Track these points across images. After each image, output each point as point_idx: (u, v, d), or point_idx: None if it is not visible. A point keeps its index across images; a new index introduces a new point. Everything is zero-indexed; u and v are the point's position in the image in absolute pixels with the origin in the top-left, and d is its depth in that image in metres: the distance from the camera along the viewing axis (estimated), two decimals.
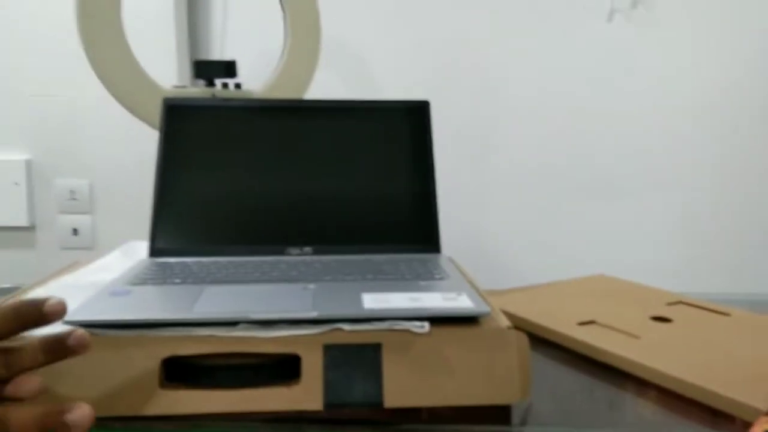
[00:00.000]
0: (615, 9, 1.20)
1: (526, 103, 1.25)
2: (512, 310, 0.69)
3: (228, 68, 1.02)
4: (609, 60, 1.22)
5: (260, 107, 0.72)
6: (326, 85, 1.13)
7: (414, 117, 0.73)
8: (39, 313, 0.37)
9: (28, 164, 1.28)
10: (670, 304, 0.73)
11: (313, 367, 0.46)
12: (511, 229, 1.27)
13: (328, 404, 0.46)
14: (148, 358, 0.45)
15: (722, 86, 1.22)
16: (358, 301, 0.50)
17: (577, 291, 0.78)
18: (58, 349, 0.37)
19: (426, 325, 0.48)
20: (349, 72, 1.27)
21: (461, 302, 0.50)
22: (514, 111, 1.25)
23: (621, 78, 1.23)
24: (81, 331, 0.38)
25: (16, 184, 1.28)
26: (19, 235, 1.30)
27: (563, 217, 1.26)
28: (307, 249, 0.67)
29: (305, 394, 0.46)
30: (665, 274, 1.22)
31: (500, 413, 0.49)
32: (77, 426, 0.34)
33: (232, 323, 0.47)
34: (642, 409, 0.51)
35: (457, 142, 1.25)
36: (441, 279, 0.57)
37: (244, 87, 1.02)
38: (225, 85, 1.03)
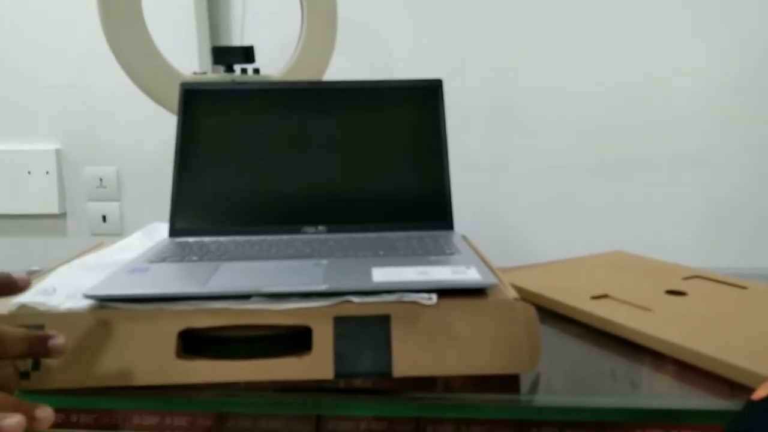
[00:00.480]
0: None
1: (543, 83, 1.23)
2: (524, 284, 0.70)
3: (246, 54, 1.03)
4: (630, 38, 1.20)
5: (276, 90, 0.74)
6: (343, 69, 1.14)
7: (427, 96, 0.74)
8: (9, 281, 0.42)
9: (58, 153, 1.32)
10: (686, 278, 0.72)
11: (323, 338, 0.48)
12: (528, 208, 1.27)
13: (339, 374, 0.47)
14: (165, 330, 0.47)
15: (745, 64, 1.19)
16: (368, 275, 0.51)
17: (591, 266, 0.78)
18: (39, 346, 0.41)
19: (434, 296, 0.48)
20: (365, 55, 1.27)
21: (469, 275, 0.51)
22: (532, 90, 1.24)
23: (642, 55, 1.21)
24: (61, 339, 0.41)
25: (47, 173, 1.32)
26: (51, 222, 1.34)
27: (581, 197, 1.25)
28: (322, 228, 0.68)
29: (316, 365, 0.47)
30: (684, 252, 1.21)
31: (509, 382, 0.50)
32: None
33: (245, 297, 0.49)
34: (655, 381, 0.51)
35: (475, 121, 1.25)
36: (451, 254, 0.58)
37: (263, 72, 1.03)
38: (244, 71, 1.04)
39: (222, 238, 0.66)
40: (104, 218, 1.34)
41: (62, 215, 1.35)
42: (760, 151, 1.20)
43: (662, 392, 0.49)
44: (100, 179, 1.33)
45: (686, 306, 0.62)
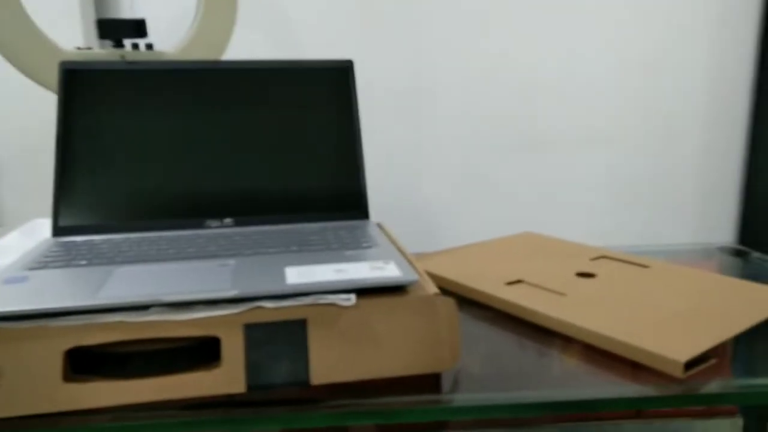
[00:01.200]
0: None
1: (454, 64, 1.23)
2: (441, 272, 0.69)
3: (137, 27, 0.94)
4: (540, 20, 1.22)
5: (171, 70, 0.67)
6: (248, 43, 1.07)
7: (337, 78, 0.70)
8: None
9: None
10: (593, 259, 0.74)
11: (233, 348, 0.44)
12: (442, 189, 1.27)
13: (252, 386, 0.44)
14: (48, 350, 0.42)
15: (652, 48, 1.24)
16: (281, 276, 0.48)
17: (504, 250, 0.79)
18: None
19: (352, 297, 0.46)
20: (272, 29, 1.21)
21: (388, 271, 0.49)
22: (444, 72, 1.23)
23: (552, 38, 1.22)
24: None
25: None
26: None
27: (495, 177, 1.27)
28: (228, 221, 0.64)
29: (227, 378, 0.44)
30: (592, 229, 1.26)
31: (430, 382, 0.48)
32: None
33: (143, 307, 0.44)
34: (569, 366, 0.51)
35: (388, 103, 1.23)
36: (368, 247, 0.55)
37: (157, 48, 0.95)
38: (135, 46, 0.95)
39: (114, 236, 0.60)
40: None
41: None
42: (663, 130, 1.26)
43: (577, 379, 0.49)
44: None
45: (596, 288, 0.64)
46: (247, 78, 0.68)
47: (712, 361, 0.50)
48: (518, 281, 0.66)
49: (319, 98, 0.69)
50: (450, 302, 0.48)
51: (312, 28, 1.18)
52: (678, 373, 0.47)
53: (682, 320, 0.55)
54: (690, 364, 0.48)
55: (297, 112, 0.68)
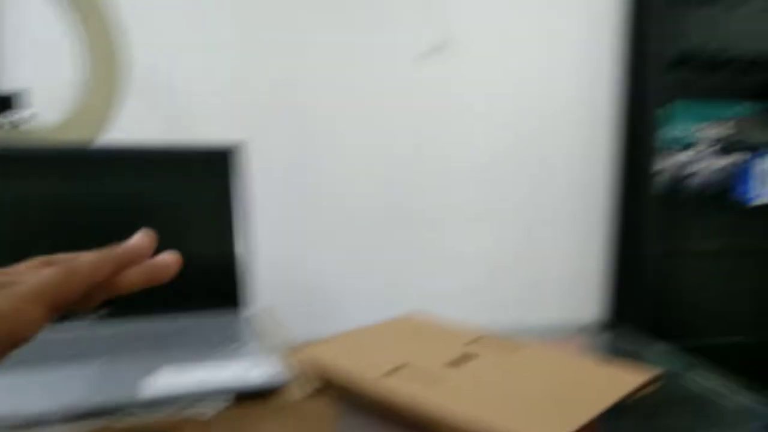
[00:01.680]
0: (428, 49, 1.26)
1: (343, 140, 1.26)
2: (323, 364, 0.69)
3: (5, 103, 0.91)
4: (422, 96, 1.28)
5: (42, 153, 0.65)
6: (135, 118, 1.05)
7: (220, 163, 0.70)
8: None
9: None
10: (469, 342, 0.77)
11: None
12: (332, 266, 1.28)
13: None
14: None
15: (530, 124, 1.33)
16: (146, 382, 0.46)
17: (386, 336, 0.80)
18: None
19: (215, 406, 0.45)
20: (162, 105, 1.19)
21: (256, 375, 0.49)
22: (333, 149, 1.26)
23: (433, 113, 1.29)
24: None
25: None
26: None
27: (380, 253, 1.30)
28: (93, 316, 0.61)
29: None
30: (472, 305, 1.31)
31: None
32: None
33: None
34: None
35: (278, 180, 1.23)
36: (241, 345, 0.55)
37: (34, 122, 0.91)
38: (10, 122, 0.91)
39: None
40: None
41: None
42: (533, 208, 1.35)
43: None
44: None
45: (471, 375, 0.66)
46: (121, 161, 0.67)
47: None
48: (396, 369, 0.67)
49: (198, 184, 0.69)
50: (324, 404, 0.48)
51: (203, 107, 1.18)
52: None
53: (551, 402, 0.58)
54: None
55: (175, 197, 0.67)
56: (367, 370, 0.67)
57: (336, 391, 0.49)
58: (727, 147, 1.42)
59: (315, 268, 1.27)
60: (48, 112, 0.94)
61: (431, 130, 1.29)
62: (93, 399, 0.43)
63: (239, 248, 0.67)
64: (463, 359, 0.71)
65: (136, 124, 0.99)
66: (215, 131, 1.17)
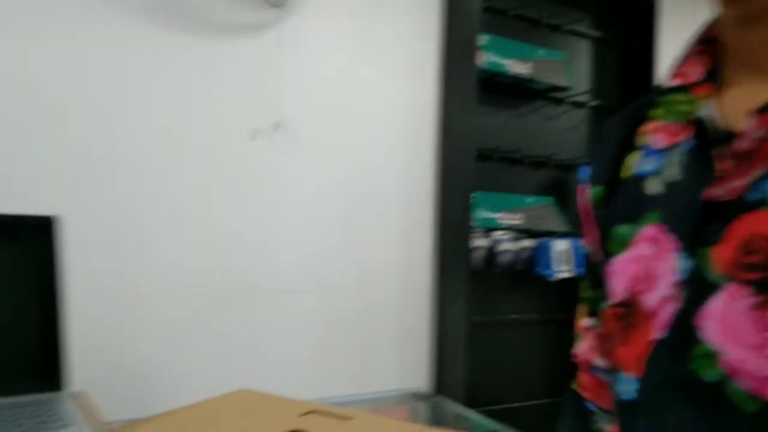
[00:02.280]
0: (258, 129, 1.30)
1: (164, 216, 1.23)
2: None
3: None
4: (250, 176, 1.31)
5: None
6: None
7: (37, 234, 0.65)
8: None
9: None
10: (302, 414, 0.78)
11: None
12: (156, 344, 1.21)
13: None
14: None
15: (356, 201, 1.41)
16: None
17: (217, 412, 0.78)
18: None
19: None
20: None
21: None
22: (154, 224, 1.22)
23: (262, 188, 1.32)
24: None
25: None
26: None
27: (207, 329, 1.26)
28: None
29: None
30: (303, 376, 1.32)
31: None
32: None
33: None
34: None
35: (98, 255, 1.16)
36: (62, 427, 0.50)
37: None
38: None
39: None
40: None
41: None
42: (361, 279, 1.42)
43: None
44: None
45: None
46: None
47: None
48: None
49: (15, 256, 0.63)
50: None
51: (13, 180, 1.09)
52: None
53: None
54: None
55: None
56: None
57: None
58: (522, 232, 1.64)
59: (134, 346, 1.18)
60: None
61: (259, 205, 1.32)
62: None
63: (60, 325, 0.63)
64: (299, 431, 0.71)
65: None
66: (30, 201, 1.07)
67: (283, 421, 0.75)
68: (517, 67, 1.59)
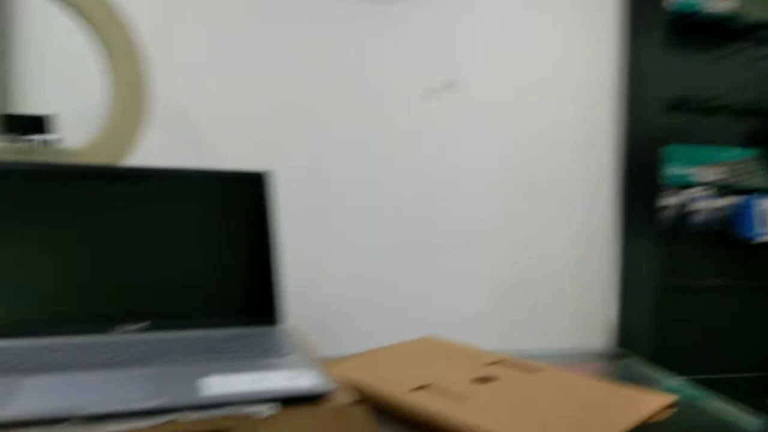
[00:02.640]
0: (434, 87, 1.32)
1: (355, 171, 1.30)
2: (350, 379, 0.71)
3: (39, 124, 0.94)
4: (431, 130, 1.34)
5: (75, 172, 0.67)
6: (154, 146, 1.09)
7: (251, 188, 0.73)
8: None
9: None
10: (489, 364, 0.79)
11: None
12: (347, 291, 1.31)
13: None
14: None
15: (536, 159, 1.39)
16: (197, 387, 0.48)
17: (407, 356, 0.83)
18: None
19: (271, 407, 0.47)
20: (183, 136, 1.23)
21: (304, 381, 0.51)
22: (346, 177, 1.30)
23: (443, 147, 1.34)
24: None
25: None
26: None
27: (397, 278, 1.33)
28: (138, 326, 0.63)
29: None
30: (480, 330, 1.34)
31: None
32: None
33: (56, 421, 0.43)
34: None
35: (294, 208, 1.27)
36: (283, 356, 0.57)
37: (66, 144, 0.94)
38: (37, 142, 0.94)
39: (16, 342, 0.58)
40: None
41: None
42: (540, 234, 1.39)
43: None
44: None
45: (494, 394, 0.69)
46: (161, 184, 0.70)
47: None
48: (422, 387, 0.70)
49: (234, 206, 0.72)
50: (364, 411, 0.50)
51: (220, 135, 1.23)
52: None
53: (572, 423, 0.60)
54: None
55: (211, 219, 0.70)
56: (393, 386, 0.69)
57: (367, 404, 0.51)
58: (722, 189, 1.48)
59: (326, 294, 1.29)
60: (72, 137, 0.98)
61: (441, 163, 1.34)
62: (152, 399, 0.45)
63: (274, 270, 0.70)
64: (484, 379, 0.73)
65: (154, 154, 1.03)
66: (231, 160, 1.21)
67: (471, 368, 0.77)
68: (714, 4, 1.42)
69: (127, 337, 0.61)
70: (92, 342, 0.58)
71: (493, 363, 0.80)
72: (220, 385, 0.49)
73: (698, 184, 1.45)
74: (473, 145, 1.36)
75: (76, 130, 0.99)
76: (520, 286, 1.39)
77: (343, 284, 1.30)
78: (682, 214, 1.45)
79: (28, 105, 1.18)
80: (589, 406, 0.66)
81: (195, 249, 0.68)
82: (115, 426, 0.43)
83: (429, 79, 1.32)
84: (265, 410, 0.47)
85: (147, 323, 0.63)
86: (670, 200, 1.43)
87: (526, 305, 1.39)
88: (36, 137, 0.94)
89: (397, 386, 0.69)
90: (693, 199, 1.44)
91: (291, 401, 0.49)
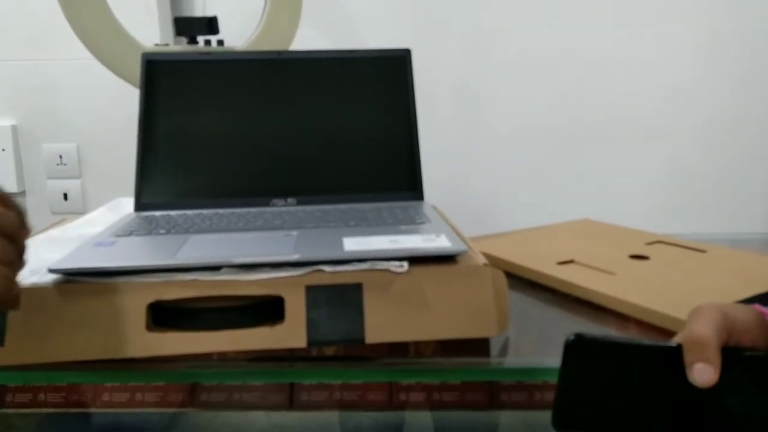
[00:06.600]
0: None
1: (513, 54, 1.24)
2: (493, 251, 0.71)
3: (210, 24, 1.01)
4: (598, 11, 1.21)
5: (241, 60, 0.72)
6: (308, 40, 1.12)
7: (395, 65, 0.73)
8: None
9: (14, 130, 1.28)
10: (649, 243, 0.74)
11: (296, 307, 0.48)
12: (498, 178, 1.28)
13: (312, 342, 0.48)
14: (135, 303, 0.47)
15: (712, 38, 1.21)
16: (339, 245, 0.51)
17: (558, 233, 0.80)
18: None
19: (405, 264, 0.49)
20: (333, 26, 1.25)
21: (439, 242, 0.52)
22: (502, 62, 1.24)
23: (612, 29, 1.22)
24: None
25: (3, 150, 1.27)
26: None
27: (549, 168, 1.27)
28: (291, 200, 0.68)
29: (289, 333, 0.48)
30: (649, 220, 1.24)
31: (479, 346, 0.51)
32: None
33: (215, 268, 0.48)
34: None
35: (445, 92, 1.25)
36: (422, 223, 0.58)
37: (227, 44, 1.01)
38: (207, 43, 1.02)
39: (189, 212, 0.65)
40: (65, 196, 1.30)
41: (21, 194, 1.31)
42: (725, 123, 1.23)
43: None
44: (60, 156, 1.29)
45: (648, 269, 0.64)
46: (311, 67, 0.72)
47: None
48: (569, 261, 0.67)
49: (378, 85, 0.72)
50: (498, 273, 0.50)
51: (370, 22, 1.22)
52: None
53: (734, 299, 0.55)
54: None
55: (357, 98, 0.72)
56: (538, 259, 0.68)
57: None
58: None
59: (481, 183, 1.28)
60: (239, 36, 1.04)
61: (609, 44, 1.22)
62: (296, 253, 0.49)
63: (416, 146, 0.71)
64: (642, 255, 0.69)
65: (309, 44, 1.06)
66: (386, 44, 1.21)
67: (627, 247, 0.73)
68: None
69: (282, 209, 0.66)
70: (250, 212, 0.64)
71: (654, 243, 0.74)
72: (360, 243, 0.52)
73: None
74: (651, 18, 1.21)
75: (238, 32, 1.06)
76: (699, 171, 1.25)
77: (495, 172, 1.27)
78: None
79: (194, 10, 1.27)
80: (761, 282, 0.59)
81: (344, 129, 0.71)
82: (264, 275, 0.48)
83: None
84: (400, 267, 0.48)
85: (300, 197, 0.68)
86: None
87: (702, 199, 1.26)
88: (206, 38, 1.02)
89: (542, 259, 0.68)
90: None
91: (425, 260, 0.50)
